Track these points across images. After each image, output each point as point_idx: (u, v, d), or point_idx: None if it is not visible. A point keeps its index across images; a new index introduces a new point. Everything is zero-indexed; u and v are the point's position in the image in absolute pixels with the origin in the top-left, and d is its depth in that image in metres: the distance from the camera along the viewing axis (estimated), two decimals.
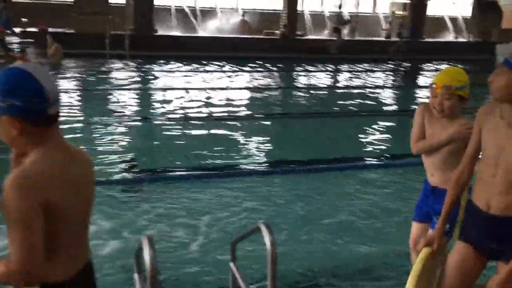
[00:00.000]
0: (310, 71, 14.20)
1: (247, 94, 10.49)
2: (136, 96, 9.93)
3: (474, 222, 2.14)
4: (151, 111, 8.54)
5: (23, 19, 15.17)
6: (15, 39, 13.71)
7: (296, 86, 12.26)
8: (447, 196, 2.25)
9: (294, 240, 3.89)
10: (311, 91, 11.24)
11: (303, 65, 14.88)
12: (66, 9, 17.10)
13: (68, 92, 9.58)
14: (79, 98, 9.44)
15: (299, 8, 19.21)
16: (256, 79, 12.41)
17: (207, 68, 13.41)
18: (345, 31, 19.56)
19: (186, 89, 10.35)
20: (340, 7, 20.50)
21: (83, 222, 1.64)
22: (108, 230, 3.91)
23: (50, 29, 14.22)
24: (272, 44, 17.09)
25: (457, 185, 2.22)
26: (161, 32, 17.29)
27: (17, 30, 15.08)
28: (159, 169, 5.53)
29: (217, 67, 13.61)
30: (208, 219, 4.22)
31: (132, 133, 7.04)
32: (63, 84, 10.32)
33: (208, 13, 20.23)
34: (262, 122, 8.21)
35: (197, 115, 8.21)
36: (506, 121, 2.00)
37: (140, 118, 7.91)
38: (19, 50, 10.42)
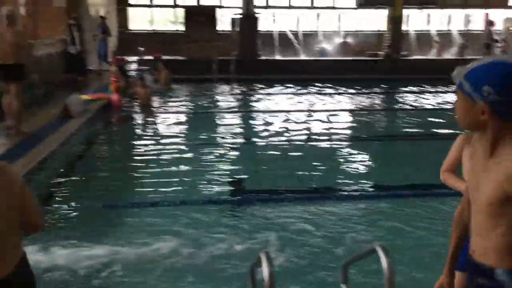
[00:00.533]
0: (416, 92, 13.70)
1: (350, 116, 10.41)
2: (241, 118, 10.28)
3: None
4: (255, 132, 8.80)
5: (139, 48, 16.48)
6: (133, 67, 14.92)
7: (401, 107, 11.90)
8: (451, 239, 1.94)
9: (413, 265, 3.74)
10: (418, 112, 10.84)
11: (408, 85, 14.41)
12: (178, 38, 18.36)
13: (178, 114, 10.22)
14: (187, 120, 10.00)
15: (403, 27, 18.73)
16: (359, 100, 12.24)
17: (309, 90, 13.51)
18: (497, 48, 18.39)
19: (289, 111, 10.51)
20: (491, 23, 19.15)
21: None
22: (216, 247, 4.08)
23: (163, 57, 15.28)
24: (375, 65, 16.79)
25: (458, 225, 1.92)
26: (264, 56, 17.78)
27: (134, 58, 16.43)
28: (264, 190, 5.66)
29: (319, 89, 13.65)
30: (314, 239, 4.22)
31: (237, 154, 7.29)
32: (173, 107, 11.03)
33: (309, 36, 20.49)
34: (367, 144, 8.07)
35: (300, 137, 8.30)
36: (480, 154, 1.69)
37: (244, 139, 8.17)
38: (138, 77, 11.25)
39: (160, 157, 6.94)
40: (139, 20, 21.47)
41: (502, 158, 1.59)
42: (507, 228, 1.59)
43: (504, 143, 1.61)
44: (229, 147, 7.63)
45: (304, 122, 9.54)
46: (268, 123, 9.45)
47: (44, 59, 11.17)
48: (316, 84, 14.19)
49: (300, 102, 11.79)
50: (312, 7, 21.47)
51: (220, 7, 20.57)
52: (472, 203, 1.72)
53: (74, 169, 6.51)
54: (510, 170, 1.54)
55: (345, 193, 5.56)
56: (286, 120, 9.65)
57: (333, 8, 21.60)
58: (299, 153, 7.23)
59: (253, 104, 11.77)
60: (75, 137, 7.64)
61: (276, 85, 14.04)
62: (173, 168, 6.38)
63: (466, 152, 2.31)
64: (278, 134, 8.50)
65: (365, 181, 5.99)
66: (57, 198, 5.33)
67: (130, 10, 21.17)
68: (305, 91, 13.42)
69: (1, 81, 6.96)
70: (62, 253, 3.94)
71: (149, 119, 9.81)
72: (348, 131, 8.98)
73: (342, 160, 6.92)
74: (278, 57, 18.61)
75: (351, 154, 7.19)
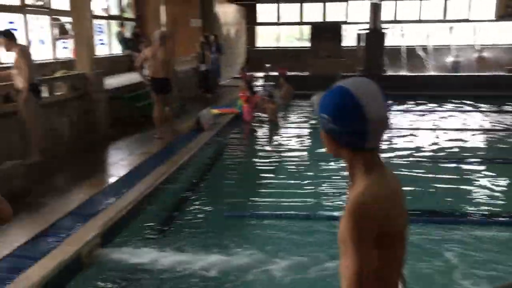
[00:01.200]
0: None
1: (485, 135, 9.66)
2: None
3: None
4: (380, 150, 8.55)
5: (266, 64, 17.06)
6: (259, 83, 15.48)
7: None
8: None
9: None
10: None
11: None
12: (303, 54, 18.66)
13: (300, 129, 10.38)
14: (309, 135, 10.08)
15: None
16: (497, 119, 11.31)
17: (439, 107, 12.83)
18: None
19: (416, 129, 10.08)
20: None
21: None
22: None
23: (288, 73, 15.63)
24: None
25: None
26: (391, 72, 17.30)
27: (261, 74, 17.04)
28: None
29: (450, 106, 12.89)
30: (447, 264, 4.02)
31: None
32: (296, 122, 11.21)
33: (441, 51, 19.50)
34: (505, 167, 7.43)
35: (428, 156, 7.91)
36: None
37: None
38: (267, 93, 11.57)
39: (283, 171, 7.11)
40: (266, 37, 22.26)
41: (351, 192, 1.46)
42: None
43: (356, 173, 1.49)
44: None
45: (433, 141, 9.07)
46: (393, 141, 9.15)
47: (181, 75, 12.11)
48: (447, 101, 13.43)
49: (428, 120, 11.24)
50: (445, 21, 20.43)
51: (346, 22, 20.52)
52: None
53: (204, 179, 6.93)
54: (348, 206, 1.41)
55: (483, 218, 5.20)
56: (413, 138, 9.27)
57: (468, 21, 20.34)
58: (428, 173, 6.90)
59: None
60: (206, 149, 8.14)
61: (402, 101, 13.56)
62: (296, 182, 6.49)
63: None
64: (404, 152, 8.20)
65: (500, 207, 5.54)
66: (186, 206, 5.72)
67: (258, 28, 22.05)
68: (434, 108, 12.77)
69: (153, 92, 8.12)
70: (180, 258, 4.19)
71: (274, 133, 10.09)
72: (483, 152, 8.34)
73: (476, 182, 6.45)
74: (405, 72, 17.97)
75: (487, 176, 6.67)
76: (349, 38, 19.68)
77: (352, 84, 1.45)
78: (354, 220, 1.38)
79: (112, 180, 6.09)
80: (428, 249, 4.34)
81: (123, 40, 13.62)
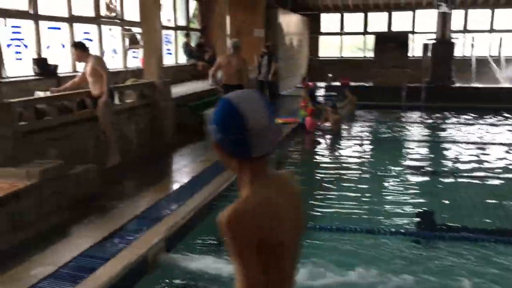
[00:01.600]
0: None
1: None
2: (429, 149, 9.75)
3: None
4: (444, 164, 8.26)
5: (328, 75, 16.94)
6: (321, 93, 15.39)
7: None
8: None
9: None
10: None
11: None
12: (367, 64, 18.37)
13: (364, 140, 10.20)
14: (373, 147, 9.88)
15: None
16: None
17: (509, 121, 12.18)
18: None
19: (485, 144, 9.62)
20: None
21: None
22: (403, 281, 3.93)
23: (352, 83, 15.45)
24: None
25: None
26: (459, 83, 16.65)
27: (323, 84, 16.94)
28: (456, 226, 5.27)
29: None
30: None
31: (424, 185, 6.92)
32: (360, 133, 11.03)
33: None
34: None
35: (497, 172, 7.52)
36: None
37: (432, 171, 7.74)
38: (331, 103, 11.46)
39: (345, 183, 7.00)
40: (329, 47, 22.13)
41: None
42: None
43: (243, 183, 1.53)
44: (415, 177, 7.31)
45: (503, 156, 8.62)
46: (459, 155, 8.79)
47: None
48: None
49: (498, 134, 10.70)
50: None
51: (413, 32, 20.00)
52: None
53: None
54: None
55: None
56: (481, 153, 8.85)
57: None
58: (496, 190, 6.55)
59: (443, 134, 11.06)
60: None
61: (471, 114, 13.00)
62: (358, 195, 6.37)
63: None
64: (471, 167, 7.85)
65: None
66: None
67: (321, 38, 21.97)
68: (505, 122, 12.14)
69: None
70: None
71: (337, 144, 9.97)
72: None
73: None
74: (475, 84, 17.22)
75: None
76: (415, 48, 19.18)
77: (235, 96, 1.51)
78: (229, 231, 1.39)
79: (176, 186, 6.25)
80: None
81: (188, 50, 14.01)
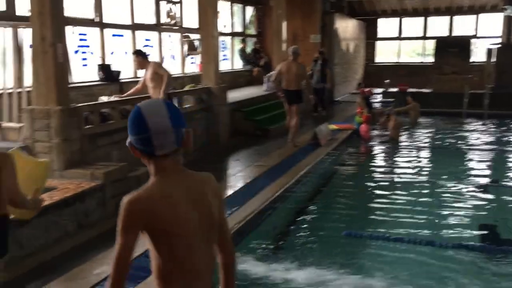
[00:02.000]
0: None
1: None
2: (491, 158, 9.32)
3: None
4: (507, 175, 7.88)
5: (385, 81, 16.59)
6: (377, 99, 15.11)
7: None
8: None
9: None
10: None
11: None
12: (426, 70, 17.87)
13: (423, 148, 9.90)
14: (432, 155, 9.57)
15: None
16: None
17: None
18: None
19: None
20: None
21: None
22: None
23: (410, 89, 15.05)
24: None
25: None
26: None
27: (379, 90, 16.62)
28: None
29: None
30: None
31: (485, 197, 6.62)
32: (420, 141, 10.73)
33: None
34: None
35: None
36: None
37: (494, 181, 7.40)
38: (389, 109, 11.24)
39: (402, 191, 6.82)
40: (386, 52, 21.69)
41: None
42: None
43: (150, 177, 1.76)
44: (476, 188, 7.00)
45: None
46: None
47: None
48: None
49: None
50: None
51: (476, 37, 19.25)
52: None
53: (319, 195, 6.91)
54: None
55: None
56: None
57: None
58: None
59: (505, 142, 10.55)
60: (323, 164, 8.13)
61: None
62: (416, 205, 6.20)
63: None
64: None
65: None
66: (302, 222, 5.73)
67: (378, 43, 21.58)
68: None
69: (286, 103, 8.69)
70: (300, 274, 4.19)
71: (395, 152, 9.75)
72: None
73: None
74: None
75: None
76: (477, 53, 18.45)
77: (143, 103, 1.75)
78: (120, 210, 1.66)
79: (231, 191, 6.32)
80: None
81: (243, 56, 14.18)
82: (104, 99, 7.14)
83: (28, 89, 5.95)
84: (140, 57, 6.97)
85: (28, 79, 6.05)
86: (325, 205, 6.36)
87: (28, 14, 5.54)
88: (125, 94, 7.19)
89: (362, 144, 10.17)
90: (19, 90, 6.55)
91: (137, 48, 8.51)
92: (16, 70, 6.52)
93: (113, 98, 7.01)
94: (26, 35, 6.35)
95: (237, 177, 7.02)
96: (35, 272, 4.09)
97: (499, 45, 16.50)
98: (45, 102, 5.43)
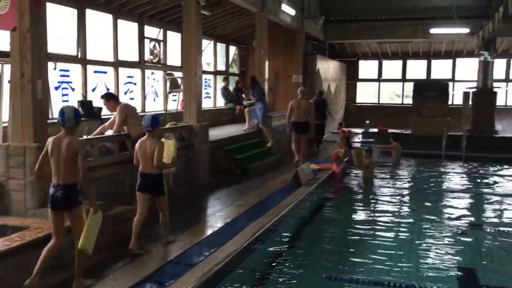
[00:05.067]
0: None
1: None
2: (469, 200, 9.38)
3: None
4: (485, 217, 7.95)
5: (366, 121, 16.85)
6: (358, 139, 15.27)
7: None
8: None
9: None
10: None
11: None
12: (404, 111, 18.22)
13: (400, 189, 9.95)
14: (410, 197, 9.60)
15: None
16: None
17: None
18: None
19: None
20: None
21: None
22: None
23: (390, 130, 15.28)
24: None
25: None
26: (502, 133, 16.24)
27: (360, 130, 16.84)
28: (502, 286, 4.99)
29: None
30: None
31: (463, 240, 6.61)
32: (397, 181, 10.79)
33: None
34: None
35: None
36: None
37: (471, 224, 7.43)
38: (365, 148, 11.43)
39: (382, 233, 6.79)
40: (367, 93, 22.11)
41: None
42: None
43: None
44: (455, 230, 7.01)
45: None
46: (500, 208, 8.45)
47: (280, 128, 12.36)
48: None
49: None
50: None
51: (453, 80, 19.78)
52: None
53: (299, 236, 6.82)
54: None
55: None
56: None
57: None
58: None
59: (483, 185, 10.67)
60: (303, 204, 8.08)
61: None
62: (395, 247, 6.16)
63: None
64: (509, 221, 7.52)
65: None
66: (281, 264, 5.63)
67: (359, 84, 22.01)
68: None
69: (294, 132, 10.56)
70: None
71: (370, 191, 9.76)
72: None
73: None
74: None
75: None
76: (455, 96, 18.93)
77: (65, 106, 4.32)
78: None
79: (210, 231, 6.21)
80: None
81: (226, 94, 14.26)
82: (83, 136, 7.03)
83: (5, 124, 5.83)
84: (109, 100, 6.85)
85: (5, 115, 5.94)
86: (305, 247, 6.27)
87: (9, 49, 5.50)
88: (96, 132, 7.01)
89: (335, 184, 10.18)
90: None
91: (105, 92, 8.34)
92: None
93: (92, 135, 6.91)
94: (6, 70, 6.28)
95: (216, 217, 6.90)
96: None
97: (475, 89, 16.98)
98: (21, 139, 5.33)
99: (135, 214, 5.52)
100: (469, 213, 8.39)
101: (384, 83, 21.63)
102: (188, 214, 7.01)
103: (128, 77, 10.17)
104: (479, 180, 11.20)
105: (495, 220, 7.77)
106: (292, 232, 6.83)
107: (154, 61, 10.96)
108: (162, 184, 5.54)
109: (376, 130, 16.15)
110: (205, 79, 13.73)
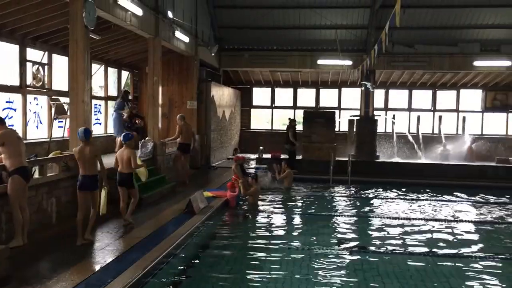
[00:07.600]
0: None
1: (476, 228, 9.55)
2: (354, 223, 9.94)
3: None
4: (370, 239, 8.46)
5: (260, 148, 17.25)
6: (252, 166, 15.56)
7: None
8: None
9: None
10: None
11: None
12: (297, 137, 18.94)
13: (288, 214, 10.28)
14: (299, 221, 9.95)
15: None
16: (487, 210, 11.30)
17: (430, 196, 12.83)
18: None
19: (408, 219, 9.99)
20: None
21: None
22: None
23: (282, 156, 15.80)
24: (508, 172, 15.62)
25: None
26: (383, 158, 17.56)
27: (254, 156, 17.20)
28: None
29: (441, 196, 12.90)
30: None
31: (349, 262, 6.97)
32: (292, 207, 11.13)
33: (431, 139, 19.91)
34: (500, 263, 7.28)
35: (420, 248, 7.77)
36: None
37: (357, 246, 7.87)
38: (253, 174, 11.76)
39: (276, 258, 6.92)
40: (261, 119, 22.70)
41: None
42: None
43: None
44: (341, 253, 7.38)
45: (424, 231, 8.98)
46: (383, 230, 9.06)
47: (172, 156, 12.16)
48: (438, 190, 13.48)
49: (419, 209, 11.20)
50: (434, 110, 21.05)
51: (339, 108, 21.08)
52: None
53: (192, 267, 6.71)
54: None
55: None
56: (404, 228, 9.17)
57: (456, 111, 21.01)
58: (420, 267, 6.74)
59: (368, 208, 11.40)
60: (196, 234, 7.98)
61: (394, 189, 13.60)
62: (290, 272, 6.30)
63: None
64: (395, 243, 8.09)
65: None
66: None
67: (253, 111, 22.56)
68: (426, 196, 12.78)
69: (180, 152, 12.49)
70: None
71: (258, 217, 9.95)
72: (476, 246, 8.22)
73: (471, 280, 6.29)
74: (397, 159, 18.23)
75: (479, 273, 6.52)
76: (341, 123, 20.14)
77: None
78: None
79: (97, 267, 5.87)
80: None
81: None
82: None
83: None
84: None
85: None
86: (198, 279, 6.18)
87: None
88: None
89: (230, 211, 10.26)
90: None
91: None
92: None
93: None
94: None
95: (105, 251, 6.55)
96: None
97: (358, 117, 18.25)
98: None
99: (7, 254, 5.05)
100: (355, 235, 8.87)
101: (277, 110, 22.40)
102: (74, 250, 6.58)
103: (7, 102, 9.42)
104: (362, 203, 11.92)
105: (379, 242, 8.28)
106: (185, 264, 6.69)
107: (37, 85, 10.29)
108: (133, 180, 8.19)
109: (269, 155, 16.61)
110: (96, 104, 13.19)
